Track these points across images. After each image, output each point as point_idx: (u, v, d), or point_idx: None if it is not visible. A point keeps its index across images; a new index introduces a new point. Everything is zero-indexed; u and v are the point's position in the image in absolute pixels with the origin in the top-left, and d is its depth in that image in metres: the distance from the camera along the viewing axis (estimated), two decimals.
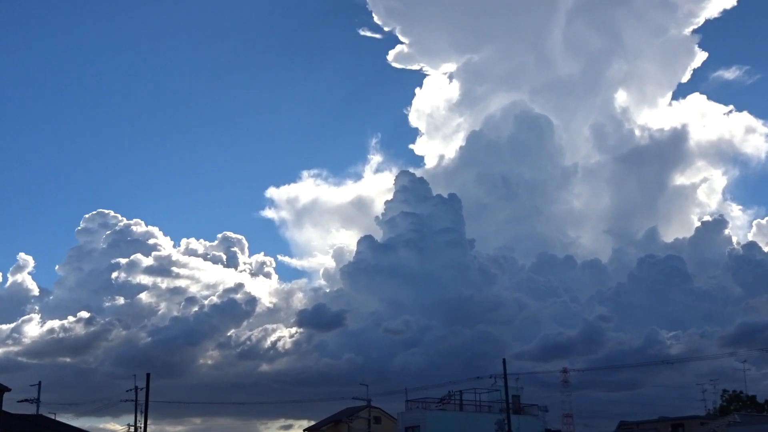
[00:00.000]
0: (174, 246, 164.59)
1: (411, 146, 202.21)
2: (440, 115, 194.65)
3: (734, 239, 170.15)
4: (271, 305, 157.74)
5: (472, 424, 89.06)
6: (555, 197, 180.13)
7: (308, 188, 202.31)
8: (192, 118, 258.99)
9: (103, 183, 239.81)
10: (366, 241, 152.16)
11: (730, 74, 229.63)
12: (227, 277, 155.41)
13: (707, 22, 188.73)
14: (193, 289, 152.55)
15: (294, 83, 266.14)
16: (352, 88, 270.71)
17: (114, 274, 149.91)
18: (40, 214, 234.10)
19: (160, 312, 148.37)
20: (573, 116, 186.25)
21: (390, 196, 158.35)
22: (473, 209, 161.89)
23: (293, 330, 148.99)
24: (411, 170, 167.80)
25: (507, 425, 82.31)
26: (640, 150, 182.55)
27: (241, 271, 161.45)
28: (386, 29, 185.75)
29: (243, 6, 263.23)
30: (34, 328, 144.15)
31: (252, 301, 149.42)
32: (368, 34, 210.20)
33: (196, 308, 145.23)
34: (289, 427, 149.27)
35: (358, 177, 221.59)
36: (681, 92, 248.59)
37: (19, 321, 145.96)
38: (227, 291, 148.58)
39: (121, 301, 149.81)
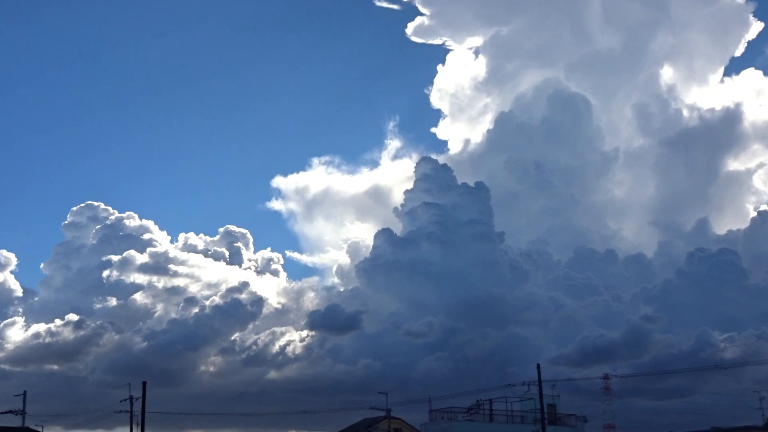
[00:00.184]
0: (171, 241, 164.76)
1: (433, 130, 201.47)
2: (465, 95, 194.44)
3: None
4: (279, 306, 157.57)
5: None
6: (594, 185, 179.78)
7: (319, 177, 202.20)
8: (191, 100, 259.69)
9: (92, 172, 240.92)
10: (384, 234, 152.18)
11: None
12: (230, 276, 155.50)
13: None
14: (193, 289, 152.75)
15: (303, 60, 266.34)
16: (368, 65, 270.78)
17: (105, 273, 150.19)
18: (23, 207, 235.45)
19: (156, 314, 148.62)
20: (613, 95, 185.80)
21: (410, 185, 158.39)
22: (503, 199, 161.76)
23: (304, 333, 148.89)
24: (433, 156, 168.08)
25: None
26: (688, 132, 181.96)
27: (245, 269, 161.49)
28: None
29: None
30: (17, 333, 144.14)
31: (258, 301, 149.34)
32: (385, 5, 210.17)
33: (196, 310, 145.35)
34: None
35: (374, 164, 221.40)
36: (734, 67, 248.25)
37: (1, 325, 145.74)
38: (230, 291, 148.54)
39: (113, 302, 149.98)
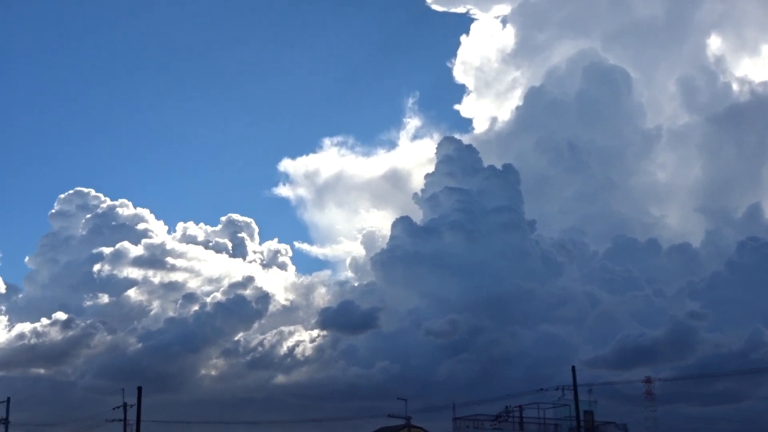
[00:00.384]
0: (168, 232, 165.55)
1: (456, 107, 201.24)
2: (492, 69, 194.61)
3: None
4: (287, 303, 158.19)
5: None
6: (634, 168, 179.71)
7: (331, 159, 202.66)
8: (190, 76, 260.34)
9: (81, 156, 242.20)
10: (402, 223, 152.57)
11: None
12: (234, 269, 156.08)
13: None
14: (193, 284, 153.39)
15: (313, 31, 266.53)
16: (384, 36, 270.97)
17: (96, 267, 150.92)
18: (5, 195, 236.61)
19: (152, 312, 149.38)
20: (655, 68, 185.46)
21: (431, 168, 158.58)
22: (533, 183, 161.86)
23: (314, 333, 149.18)
24: (456, 136, 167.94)
25: None
26: (738, 108, 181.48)
27: (250, 262, 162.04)
28: None
29: None
30: (0, 333, 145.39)
31: (264, 297, 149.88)
32: None
33: (196, 307, 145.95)
34: None
35: (391, 145, 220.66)
36: None
37: None
38: (234, 286, 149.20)
39: (105, 299, 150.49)
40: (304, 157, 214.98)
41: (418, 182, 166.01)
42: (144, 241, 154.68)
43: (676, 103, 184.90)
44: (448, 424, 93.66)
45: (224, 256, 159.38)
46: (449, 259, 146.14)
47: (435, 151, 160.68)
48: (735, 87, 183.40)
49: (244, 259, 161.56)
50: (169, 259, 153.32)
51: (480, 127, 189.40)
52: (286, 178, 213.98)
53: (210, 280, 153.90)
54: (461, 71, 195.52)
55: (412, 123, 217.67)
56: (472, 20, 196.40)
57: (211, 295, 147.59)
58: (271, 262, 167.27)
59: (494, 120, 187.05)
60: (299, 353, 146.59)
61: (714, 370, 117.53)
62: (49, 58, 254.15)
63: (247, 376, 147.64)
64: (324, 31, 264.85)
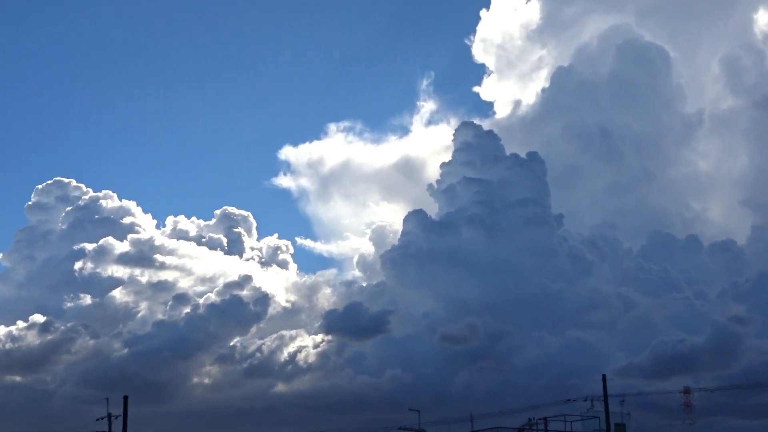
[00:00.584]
0: (157, 226, 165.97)
1: (476, 89, 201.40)
2: (515, 47, 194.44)
3: None
4: (288, 305, 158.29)
5: None
6: (673, 156, 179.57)
7: (337, 147, 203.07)
8: (180, 56, 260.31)
9: (61, 143, 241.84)
10: (415, 217, 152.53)
11: None
12: (229, 268, 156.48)
13: None
14: (184, 284, 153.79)
15: (317, 6, 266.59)
16: (396, 11, 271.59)
17: (77, 265, 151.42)
18: None
19: (139, 314, 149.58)
20: (697, 46, 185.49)
21: (448, 157, 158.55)
22: (561, 173, 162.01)
23: (318, 338, 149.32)
24: (476, 121, 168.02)
25: None
26: None
27: (247, 260, 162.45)
28: None
29: None
30: None
31: (263, 299, 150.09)
32: None
33: (187, 309, 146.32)
34: None
35: (404, 131, 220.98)
36: None
37: None
38: (229, 286, 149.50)
39: (87, 300, 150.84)
40: (307, 144, 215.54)
41: (433, 172, 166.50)
42: (130, 236, 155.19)
43: (719, 84, 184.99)
44: None
45: (219, 253, 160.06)
46: (467, 256, 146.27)
47: (452, 137, 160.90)
48: None
49: (241, 256, 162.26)
50: (158, 257, 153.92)
51: (502, 111, 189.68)
52: (287, 168, 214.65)
53: (203, 280, 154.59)
54: (481, 49, 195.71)
55: (427, 107, 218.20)
56: None
57: (205, 296, 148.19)
58: (270, 259, 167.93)
59: (517, 103, 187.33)
60: (301, 360, 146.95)
61: (760, 379, 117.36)
62: (28, 38, 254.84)
63: (243, 385, 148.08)
64: (328, 4, 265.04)
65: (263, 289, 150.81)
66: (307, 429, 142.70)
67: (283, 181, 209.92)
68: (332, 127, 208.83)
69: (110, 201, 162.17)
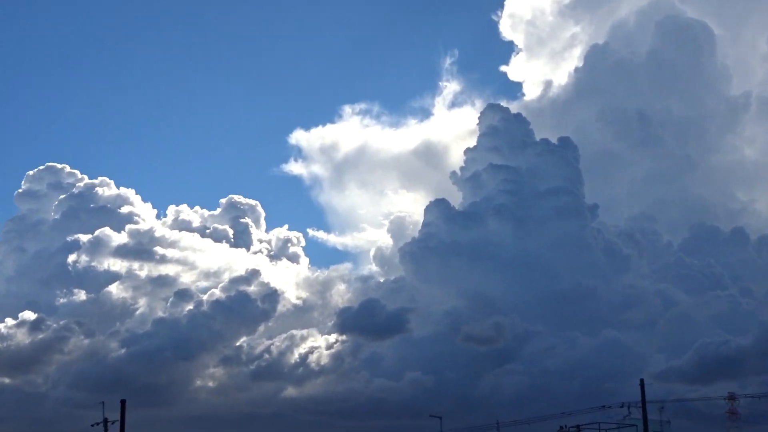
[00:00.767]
0: (158, 216, 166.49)
1: (503, 68, 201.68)
2: (546, 23, 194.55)
3: None
4: (299, 302, 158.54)
5: None
6: (717, 143, 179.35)
7: (353, 131, 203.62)
8: (185, 35, 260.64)
9: (54, 126, 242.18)
10: (438, 207, 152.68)
11: None
12: (235, 262, 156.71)
13: None
14: (186, 279, 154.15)
15: None
16: None
17: (71, 258, 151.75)
18: None
19: (138, 312, 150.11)
20: (744, 23, 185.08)
21: (472, 142, 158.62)
22: (595, 161, 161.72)
23: (332, 338, 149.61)
24: (503, 103, 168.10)
25: None
26: None
27: (255, 253, 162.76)
28: None
29: None
30: None
31: (272, 295, 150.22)
32: None
33: (190, 306, 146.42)
34: None
35: (425, 114, 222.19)
36: None
37: None
38: (235, 281, 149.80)
39: (81, 295, 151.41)
40: (320, 127, 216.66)
41: (456, 158, 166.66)
42: (128, 227, 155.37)
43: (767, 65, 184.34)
44: None
45: (224, 245, 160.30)
46: (493, 250, 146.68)
47: (477, 121, 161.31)
48: None
49: (248, 249, 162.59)
50: (159, 249, 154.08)
51: (531, 92, 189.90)
52: (298, 153, 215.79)
53: (207, 274, 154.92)
54: (509, 26, 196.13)
55: (450, 88, 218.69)
56: None
57: (209, 292, 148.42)
58: (280, 252, 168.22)
59: (548, 84, 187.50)
60: (313, 362, 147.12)
61: None
62: (21, 16, 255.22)
63: (250, 389, 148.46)
64: None
65: (272, 284, 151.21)
66: None
67: (294, 167, 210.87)
68: (347, 109, 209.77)
69: (107, 188, 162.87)
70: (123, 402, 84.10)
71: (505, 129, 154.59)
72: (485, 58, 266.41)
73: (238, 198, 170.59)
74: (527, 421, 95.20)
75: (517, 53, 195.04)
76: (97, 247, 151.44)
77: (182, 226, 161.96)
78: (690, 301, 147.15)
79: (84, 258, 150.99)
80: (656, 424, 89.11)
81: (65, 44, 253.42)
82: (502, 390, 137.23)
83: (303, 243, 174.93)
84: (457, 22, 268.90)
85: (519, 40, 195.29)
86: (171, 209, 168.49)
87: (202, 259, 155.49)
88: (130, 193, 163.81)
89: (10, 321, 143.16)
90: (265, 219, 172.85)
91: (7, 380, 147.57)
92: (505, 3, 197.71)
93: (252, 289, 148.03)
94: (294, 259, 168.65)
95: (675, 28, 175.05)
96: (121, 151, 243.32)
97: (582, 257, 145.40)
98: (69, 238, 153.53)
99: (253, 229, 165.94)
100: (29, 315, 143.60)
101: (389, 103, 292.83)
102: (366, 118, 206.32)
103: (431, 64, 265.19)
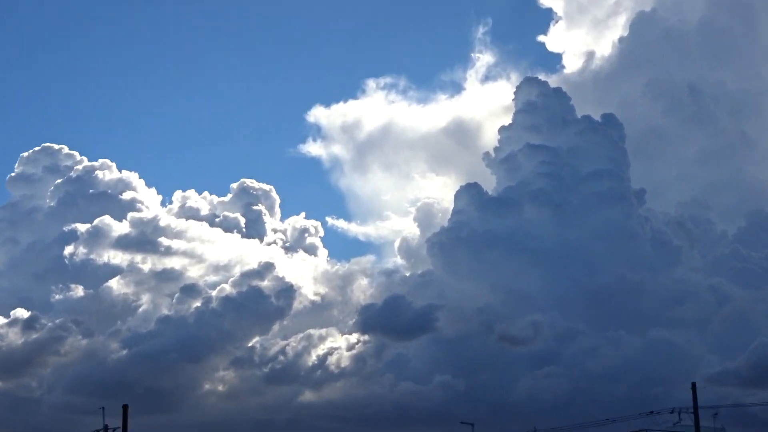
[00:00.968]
0: (163, 203, 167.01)
1: (541, 38, 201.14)
2: None
3: None
4: (317, 298, 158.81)
5: None
6: None
7: (376, 107, 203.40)
8: (190, 6, 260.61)
9: (50, 103, 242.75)
10: (469, 192, 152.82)
11: None
12: (247, 254, 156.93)
13: None
14: (194, 273, 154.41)
15: None
16: None
17: (68, 249, 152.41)
18: None
19: (141, 309, 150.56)
20: None
21: (508, 120, 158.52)
22: (643, 140, 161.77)
23: (353, 338, 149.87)
24: (541, 77, 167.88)
25: None
26: None
27: (269, 244, 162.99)
28: None
29: None
30: None
31: (287, 291, 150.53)
32: None
33: (198, 303, 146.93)
34: None
35: (456, 89, 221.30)
36: None
37: None
38: (247, 276, 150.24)
39: (79, 291, 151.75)
40: (341, 104, 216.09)
41: (490, 138, 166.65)
42: (131, 215, 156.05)
43: None
44: None
45: (235, 235, 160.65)
46: (530, 241, 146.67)
47: (513, 96, 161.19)
48: None
49: (261, 240, 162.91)
50: (164, 240, 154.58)
51: (572, 65, 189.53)
52: (316, 132, 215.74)
53: (216, 268, 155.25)
54: None
55: (483, 59, 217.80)
56: None
57: (218, 288, 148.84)
58: (296, 244, 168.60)
59: (590, 55, 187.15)
60: (333, 364, 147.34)
61: None
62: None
63: (264, 394, 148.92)
64: None
65: (287, 279, 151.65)
66: None
67: (312, 148, 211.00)
68: (371, 83, 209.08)
69: (108, 172, 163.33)
70: (125, 407, 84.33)
71: (543, 105, 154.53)
72: (521, 27, 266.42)
73: (250, 182, 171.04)
74: (568, 427, 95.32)
75: (557, 21, 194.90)
76: (96, 237, 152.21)
77: (189, 214, 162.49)
78: (746, 297, 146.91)
79: (82, 250, 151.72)
80: (711, 430, 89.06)
81: (64, 18, 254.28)
82: (539, 395, 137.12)
83: (321, 233, 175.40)
84: None
85: (558, 7, 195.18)
86: (177, 195, 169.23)
87: (210, 251, 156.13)
88: (133, 177, 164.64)
89: (1, 319, 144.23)
90: (280, 206, 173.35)
91: None
92: None
93: (265, 284, 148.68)
94: (311, 251, 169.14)
95: None
96: (124, 131, 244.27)
97: (627, 248, 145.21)
98: (65, 228, 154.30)
99: (266, 218, 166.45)
100: (22, 313, 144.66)
101: (417, 76, 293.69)
102: (391, 94, 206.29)
103: (462, 33, 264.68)
